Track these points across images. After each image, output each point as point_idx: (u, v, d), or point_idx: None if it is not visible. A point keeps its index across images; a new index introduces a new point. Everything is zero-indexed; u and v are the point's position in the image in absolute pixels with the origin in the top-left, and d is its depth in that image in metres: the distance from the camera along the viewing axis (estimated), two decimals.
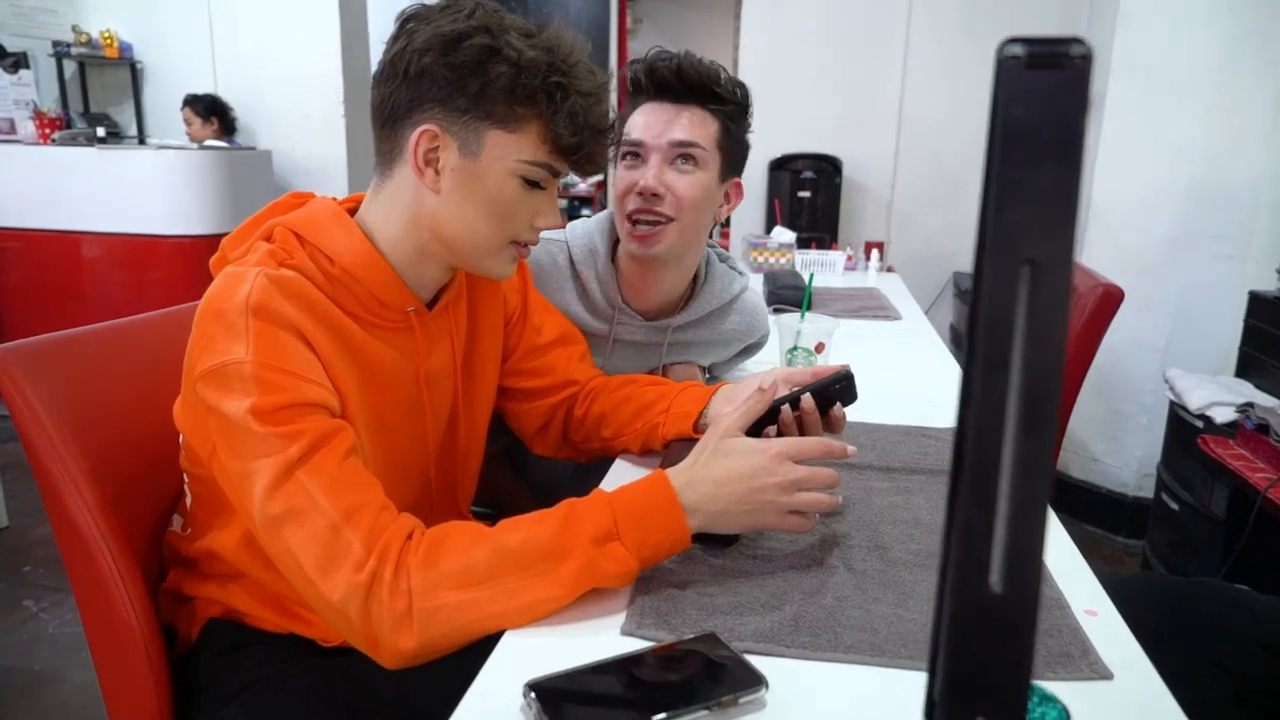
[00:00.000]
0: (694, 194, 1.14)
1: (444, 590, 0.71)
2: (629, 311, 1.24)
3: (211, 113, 4.09)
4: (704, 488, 0.78)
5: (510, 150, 0.83)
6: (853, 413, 0.98)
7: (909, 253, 3.59)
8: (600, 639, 0.70)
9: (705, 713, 0.60)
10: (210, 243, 0.92)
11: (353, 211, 0.91)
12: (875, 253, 2.91)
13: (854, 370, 0.97)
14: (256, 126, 4.31)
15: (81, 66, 4.58)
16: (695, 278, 1.28)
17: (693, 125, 1.13)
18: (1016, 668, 0.35)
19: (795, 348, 1.33)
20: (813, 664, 0.67)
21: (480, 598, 0.71)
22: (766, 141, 3.54)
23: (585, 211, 7.19)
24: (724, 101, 1.14)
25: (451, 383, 1.00)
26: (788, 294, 2.06)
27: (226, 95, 4.24)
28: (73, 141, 3.56)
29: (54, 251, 3.52)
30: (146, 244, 3.47)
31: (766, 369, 1.07)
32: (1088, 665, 0.66)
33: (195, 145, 3.86)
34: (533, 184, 0.86)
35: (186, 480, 0.93)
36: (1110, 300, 1.90)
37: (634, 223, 1.14)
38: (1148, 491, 2.60)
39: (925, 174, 3.56)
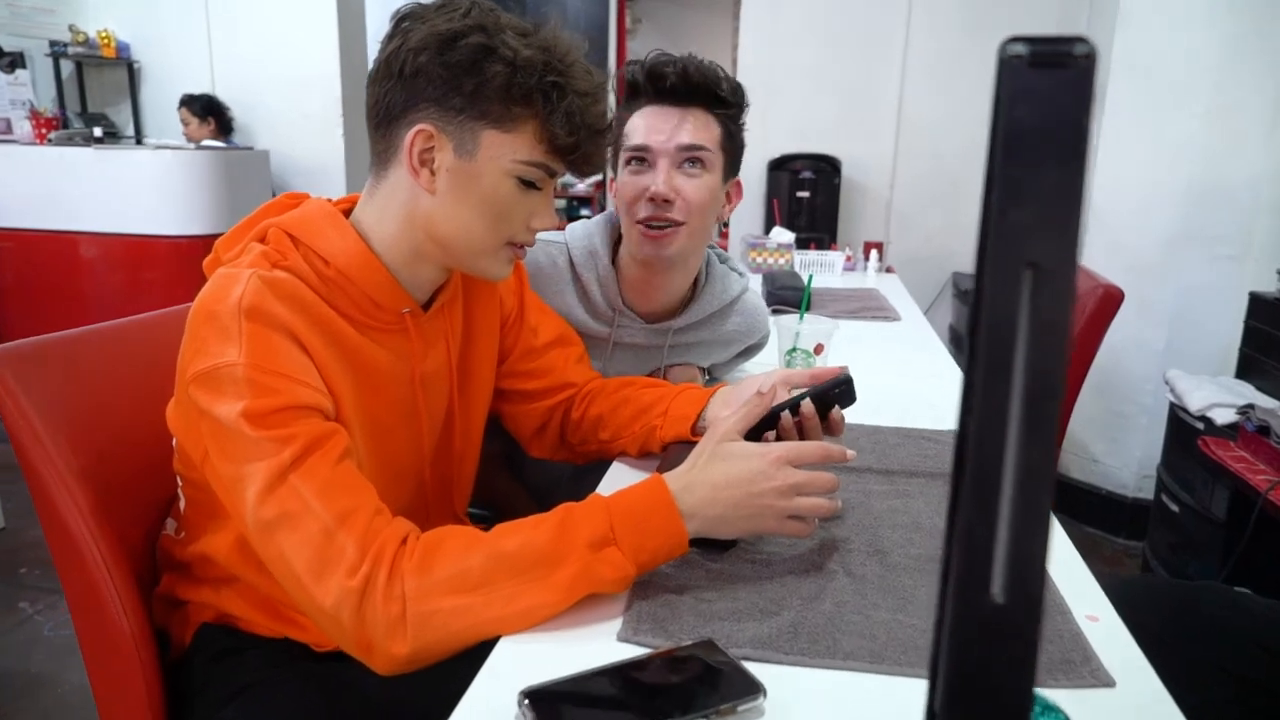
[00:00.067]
0: (703, 197, 1.13)
1: (438, 595, 0.70)
2: (630, 314, 1.24)
3: (208, 113, 4.08)
4: (702, 492, 0.77)
5: (506, 150, 0.83)
6: (851, 415, 0.97)
7: (908, 253, 3.58)
8: (596, 645, 0.69)
9: None
10: (207, 243, 0.91)
11: (348, 212, 0.90)
12: (874, 253, 2.91)
13: (853, 372, 0.96)
14: (254, 126, 4.30)
15: (78, 66, 4.58)
16: (696, 279, 1.27)
17: (698, 128, 1.12)
18: (1019, 680, 0.34)
19: (794, 349, 1.33)
20: (811, 671, 0.66)
21: (475, 603, 0.71)
22: (765, 141, 3.53)
23: (584, 212, 7.18)
24: (726, 104, 1.14)
25: (447, 385, 0.99)
26: (786, 294, 2.06)
27: (224, 95, 4.23)
28: (69, 141, 3.55)
29: (51, 252, 3.51)
30: (143, 244, 3.46)
31: (765, 370, 1.06)
32: (1089, 672, 0.65)
33: (192, 145, 3.85)
34: (529, 184, 0.85)
35: (180, 484, 0.93)
36: (1110, 301, 1.89)
37: (647, 226, 1.13)
38: (1147, 493, 2.59)
39: (924, 174, 3.56)
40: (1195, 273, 2.57)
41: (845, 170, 3.51)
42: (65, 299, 3.52)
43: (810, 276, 1.66)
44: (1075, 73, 0.31)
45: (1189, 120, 2.53)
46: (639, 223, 1.14)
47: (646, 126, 1.12)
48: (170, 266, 3.45)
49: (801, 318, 1.33)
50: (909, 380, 1.58)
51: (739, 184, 1.23)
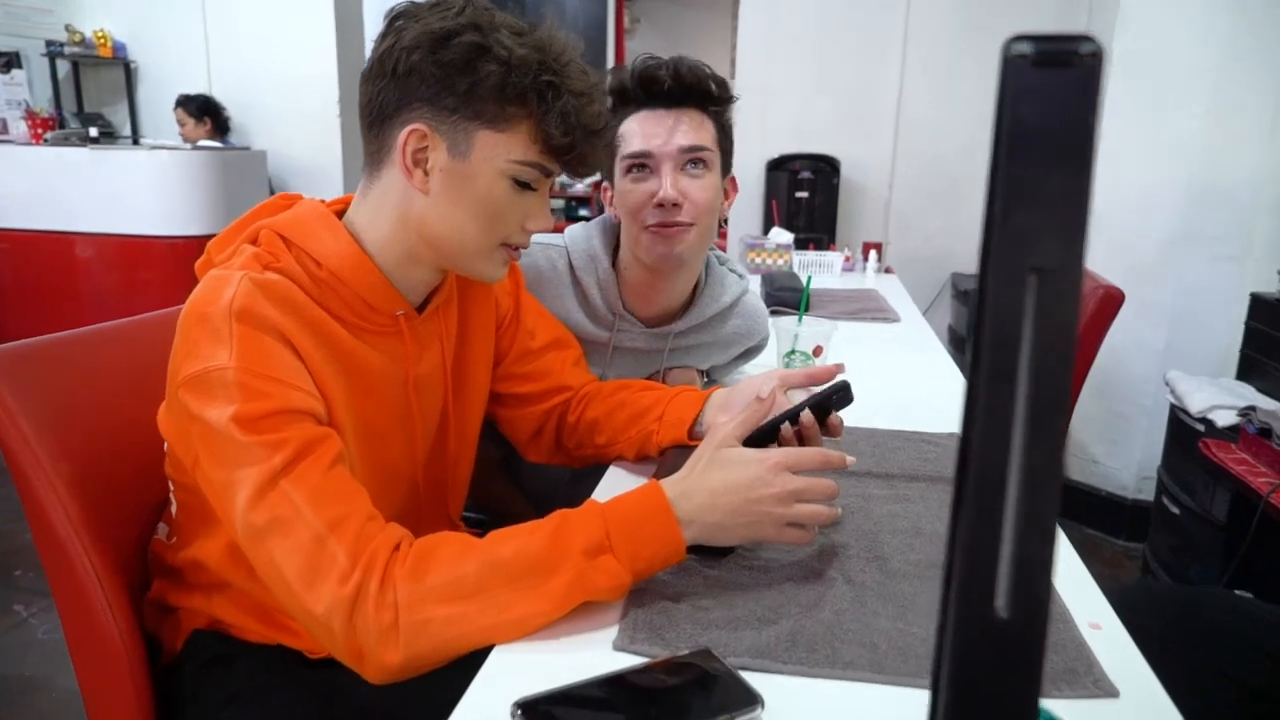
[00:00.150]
0: (709, 196, 1.13)
1: (431, 603, 0.69)
2: (630, 318, 1.23)
3: (204, 113, 4.07)
4: (699, 498, 0.76)
5: (500, 150, 0.82)
6: (850, 418, 0.96)
7: (907, 253, 3.57)
8: (592, 654, 0.68)
9: None
10: (204, 243, 0.90)
11: (341, 214, 0.89)
12: (873, 254, 2.90)
13: (852, 373, 0.95)
14: (251, 126, 4.29)
15: (75, 66, 4.57)
16: (696, 282, 1.26)
17: (695, 128, 1.11)
18: (1024, 695, 0.33)
19: (793, 351, 1.32)
20: (810, 681, 0.65)
21: (468, 611, 0.69)
22: (764, 142, 3.52)
23: (583, 212, 7.17)
24: (718, 101, 1.13)
25: (441, 388, 0.98)
26: (785, 295, 2.05)
27: (221, 95, 4.22)
28: (65, 142, 3.54)
29: (47, 252, 3.50)
30: (140, 245, 3.45)
31: (763, 371, 1.05)
32: (1093, 682, 0.64)
33: (188, 146, 3.84)
34: (524, 185, 0.84)
35: (171, 488, 0.92)
36: (1111, 302, 1.89)
37: (659, 225, 1.12)
38: (1147, 494, 2.58)
39: (923, 174, 3.55)
40: (1195, 273, 2.57)
41: (844, 170, 3.50)
42: (61, 299, 3.51)
43: (809, 278, 1.65)
44: (1081, 72, 0.30)
45: (1189, 120, 2.52)
46: (647, 228, 1.13)
47: (643, 132, 1.11)
48: (167, 267, 3.44)
49: (800, 319, 1.32)
50: (908, 382, 1.57)
51: (734, 179, 1.22)
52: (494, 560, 0.71)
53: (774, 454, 0.78)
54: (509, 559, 0.72)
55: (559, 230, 1.23)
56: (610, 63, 6.48)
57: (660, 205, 1.10)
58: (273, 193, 3.80)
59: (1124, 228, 2.63)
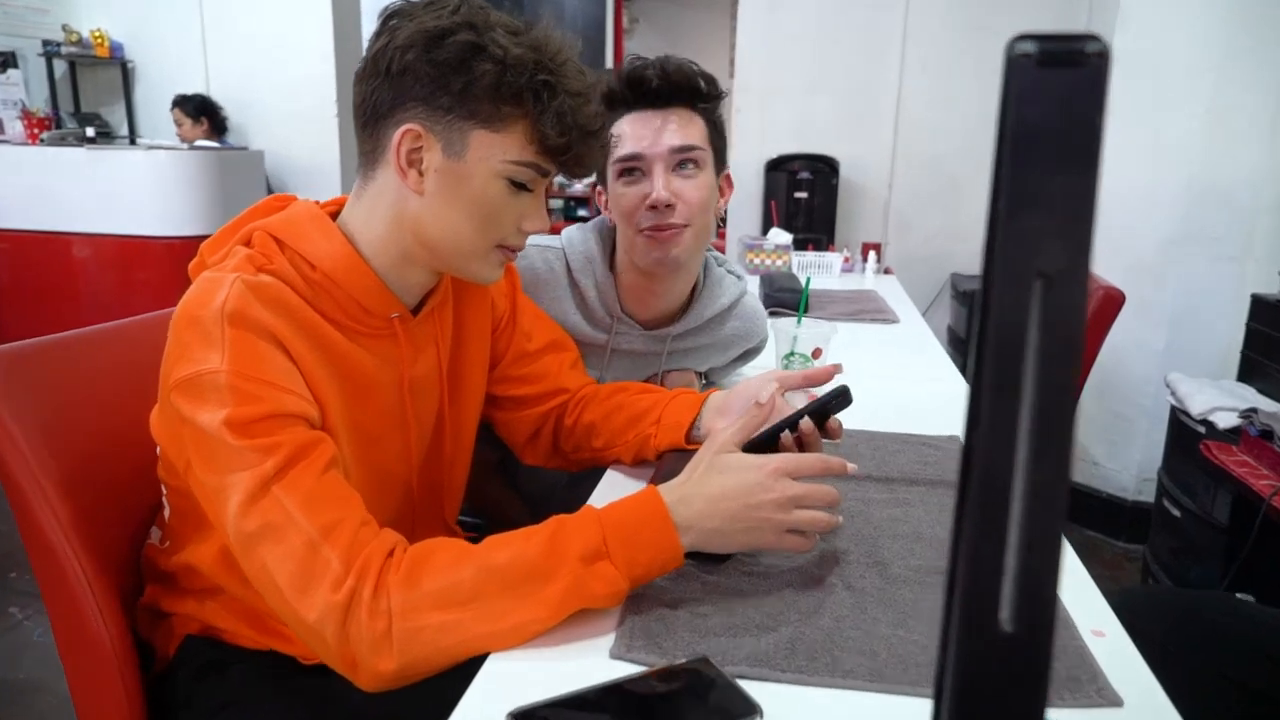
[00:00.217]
0: (703, 196, 1.12)
1: (425, 611, 0.68)
2: (628, 321, 1.22)
3: (201, 113, 4.06)
4: (698, 504, 0.75)
5: (496, 150, 0.81)
6: (850, 421, 0.95)
7: (906, 254, 3.56)
8: (588, 662, 0.67)
9: None
10: (201, 244, 0.91)
11: (335, 215, 0.88)
12: (873, 254, 2.89)
13: (851, 375, 0.94)
14: (249, 126, 4.28)
15: (72, 66, 4.56)
16: (694, 284, 1.25)
17: (685, 128, 1.10)
18: (1029, 711, 0.32)
19: (792, 353, 1.31)
20: (809, 689, 0.64)
21: (463, 619, 0.69)
22: (763, 142, 3.52)
23: (582, 212, 7.16)
24: (707, 98, 1.12)
25: (437, 391, 0.97)
26: (784, 297, 2.04)
27: (219, 95, 4.21)
28: (61, 142, 3.53)
29: (44, 252, 3.49)
30: (137, 245, 3.44)
31: (761, 373, 1.04)
32: (1096, 691, 0.63)
33: (186, 145, 3.83)
34: (519, 186, 0.83)
35: (165, 492, 0.91)
36: (1111, 303, 1.88)
37: (653, 229, 1.11)
38: (1148, 496, 2.57)
39: (923, 175, 3.54)
40: (1195, 274, 2.56)
41: (843, 171, 3.50)
42: (58, 300, 3.50)
43: (808, 279, 1.64)
44: (1087, 71, 0.29)
45: (1189, 120, 2.52)
46: (642, 231, 1.12)
47: (633, 134, 1.10)
48: (164, 267, 3.43)
49: (799, 321, 1.31)
50: (908, 384, 1.56)
51: (729, 176, 1.21)
52: (489, 567, 0.70)
53: (773, 459, 0.77)
54: (505, 565, 0.71)
55: (555, 231, 1.22)
56: (609, 63, 6.48)
57: (653, 207, 1.09)
58: (271, 193, 3.79)
59: (1124, 228, 2.62)
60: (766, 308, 1.94)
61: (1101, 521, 2.77)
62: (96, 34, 4.35)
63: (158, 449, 0.88)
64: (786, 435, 0.88)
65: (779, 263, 2.64)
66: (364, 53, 0.83)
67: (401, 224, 0.84)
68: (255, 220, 0.86)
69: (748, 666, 0.65)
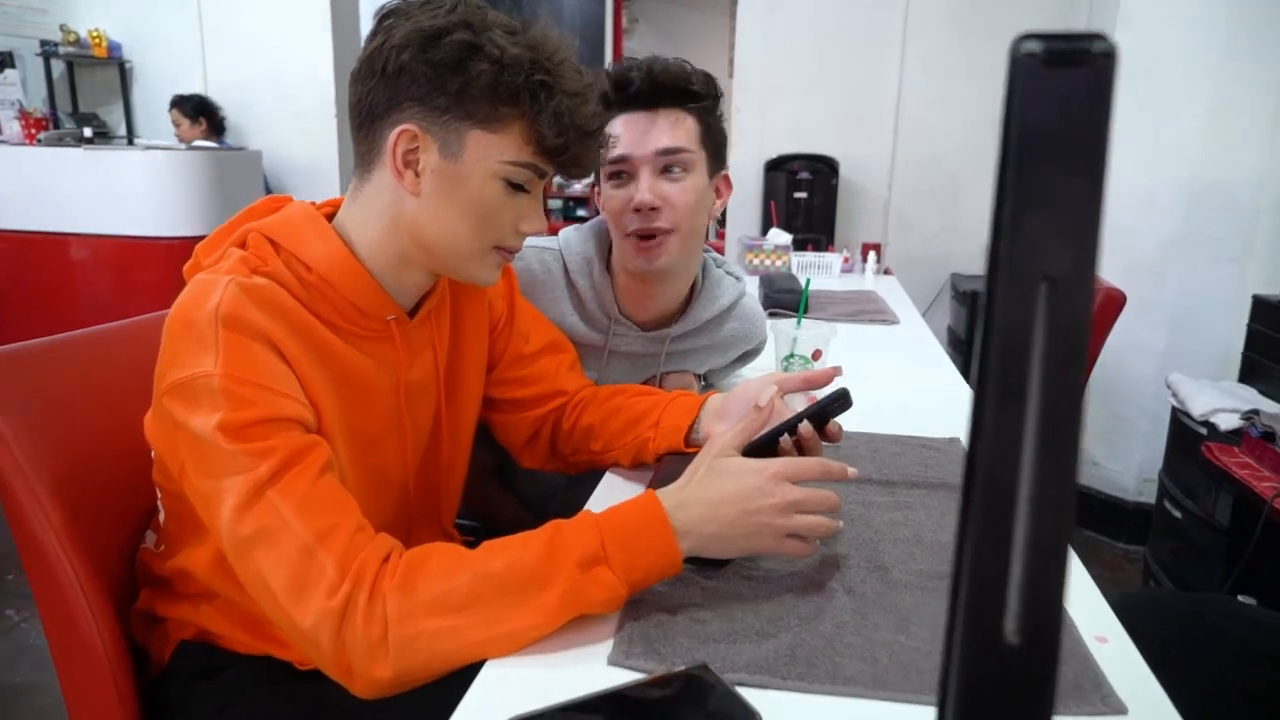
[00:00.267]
0: (689, 200, 1.10)
1: (421, 617, 0.68)
2: (626, 322, 1.21)
3: (199, 113, 4.05)
4: (697, 509, 0.74)
5: (493, 151, 0.80)
6: (850, 423, 0.94)
7: (906, 254, 3.56)
8: (586, 669, 0.67)
9: None
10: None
11: (331, 216, 0.87)
12: (872, 255, 2.88)
13: (851, 377, 0.93)
14: (247, 126, 4.27)
15: (70, 66, 4.55)
16: (693, 285, 1.24)
17: (673, 129, 1.09)
18: None
19: (791, 355, 1.30)
20: (810, 696, 0.63)
21: (459, 625, 0.68)
22: (762, 142, 3.51)
23: (581, 212, 7.15)
24: (698, 97, 1.10)
25: (434, 394, 0.96)
26: (784, 298, 2.03)
27: (217, 95, 4.19)
28: (59, 142, 3.52)
29: (41, 253, 3.47)
30: (135, 246, 3.43)
31: (761, 375, 1.03)
32: (1100, 699, 0.62)
33: (184, 146, 3.82)
34: (516, 186, 0.83)
35: (159, 496, 0.90)
36: (1112, 304, 1.87)
37: (638, 238, 1.10)
38: (1148, 497, 2.57)
39: (922, 175, 3.54)
40: (1196, 275, 2.55)
41: (843, 171, 3.49)
42: (56, 300, 3.49)
43: (808, 281, 1.64)
44: (1093, 71, 0.28)
45: (1189, 120, 2.51)
46: (628, 235, 1.11)
47: (621, 136, 1.08)
48: (162, 268, 3.42)
49: (799, 322, 1.31)
50: (908, 385, 1.55)
51: (727, 177, 1.19)
52: (486, 572, 0.70)
53: (773, 463, 0.76)
54: (501, 571, 0.70)
55: (554, 232, 1.22)
56: (609, 64, 6.47)
57: (638, 210, 1.08)
58: (269, 193, 3.78)
59: (1124, 229, 2.62)
60: (766, 309, 1.93)
61: (1102, 523, 2.77)
62: (94, 34, 4.34)
63: (152, 453, 0.87)
64: (786, 439, 0.87)
65: (778, 263, 2.63)
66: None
67: (398, 225, 0.83)
68: (250, 222, 0.85)
69: (747, 673, 0.65)
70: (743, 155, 3.50)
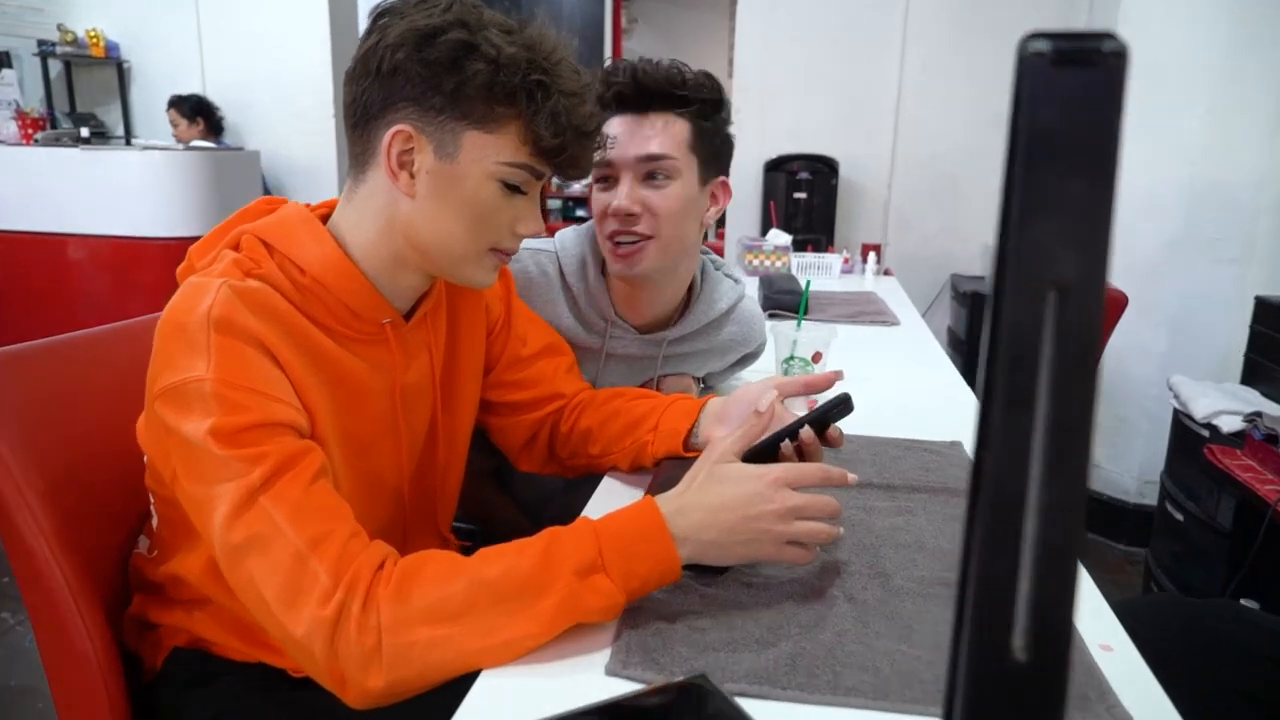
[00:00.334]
0: (670, 207, 1.07)
1: (415, 626, 0.67)
2: (622, 325, 1.19)
3: (197, 113, 4.04)
4: (696, 515, 0.73)
5: (489, 152, 0.79)
6: (850, 426, 0.93)
7: (906, 255, 3.55)
8: (583, 678, 0.65)
9: None
10: None
11: (326, 218, 0.86)
12: (872, 255, 2.87)
13: (851, 379, 0.92)
14: (245, 126, 4.26)
15: (67, 66, 4.53)
16: (691, 287, 1.23)
17: (659, 135, 1.06)
18: None
19: (791, 357, 1.29)
20: (810, 708, 0.62)
21: (454, 634, 0.67)
22: (762, 142, 3.50)
23: (580, 212, 7.13)
24: (687, 102, 1.07)
25: (430, 397, 0.95)
26: (784, 299, 2.02)
27: (215, 95, 4.18)
28: (56, 142, 3.51)
29: (38, 254, 3.46)
30: (133, 246, 3.42)
31: (760, 378, 1.02)
32: (1106, 709, 0.61)
33: (181, 146, 3.81)
34: (513, 188, 0.82)
35: (152, 500, 0.89)
36: (1113, 305, 1.87)
37: (615, 243, 1.09)
38: (1150, 498, 2.56)
39: (922, 175, 3.53)
40: (1197, 276, 2.54)
41: (842, 171, 3.48)
42: (53, 301, 3.48)
43: (808, 282, 1.63)
44: (1104, 71, 0.27)
45: (1190, 121, 2.50)
46: (608, 239, 1.09)
47: (614, 138, 1.07)
48: (159, 269, 3.40)
49: (799, 325, 1.30)
50: (909, 388, 1.54)
51: (725, 183, 1.16)
52: (481, 580, 0.69)
53: (773, 469, 0.75)
54: (497, 579, 0.69)
55: (552, 232, 1.21)
56: (608, 63, 6.45)
57: (615, 215, 1.07)
58: (268, 193, 3.77)
59: (1124, 230, 2.61)
60: (765, 310, 1.92)
61: (1103, 524, 2.76)
62: (92, 34, 4.32)
63: (145, 457, 0.86)
64: (786, 444, 0.86)
65: (778, 264, 2.62)
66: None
67: (393, 227, 0.82)
68: (244, 223, 0.84)
69: (747, 684, 0.64)
70: (742, 155, 3.47)
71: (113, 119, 4.59)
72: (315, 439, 0.77)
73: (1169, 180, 2.54)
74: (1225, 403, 1.95)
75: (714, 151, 1.11)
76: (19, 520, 0.84)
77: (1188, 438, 2.07)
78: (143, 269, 3.43)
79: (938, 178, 3.50)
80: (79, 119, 4.20)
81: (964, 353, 3.25)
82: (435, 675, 0.67)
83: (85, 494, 0.91)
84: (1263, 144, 2.44)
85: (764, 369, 1.41)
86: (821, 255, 2.84)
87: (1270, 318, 2.07)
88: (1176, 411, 2.16)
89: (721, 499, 0.73)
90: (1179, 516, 2.07)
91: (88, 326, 1.02)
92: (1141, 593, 2.30)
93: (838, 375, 0.96)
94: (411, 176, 0.80)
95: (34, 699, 1.89)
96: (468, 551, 0.73)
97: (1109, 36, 0.29)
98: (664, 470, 0.98)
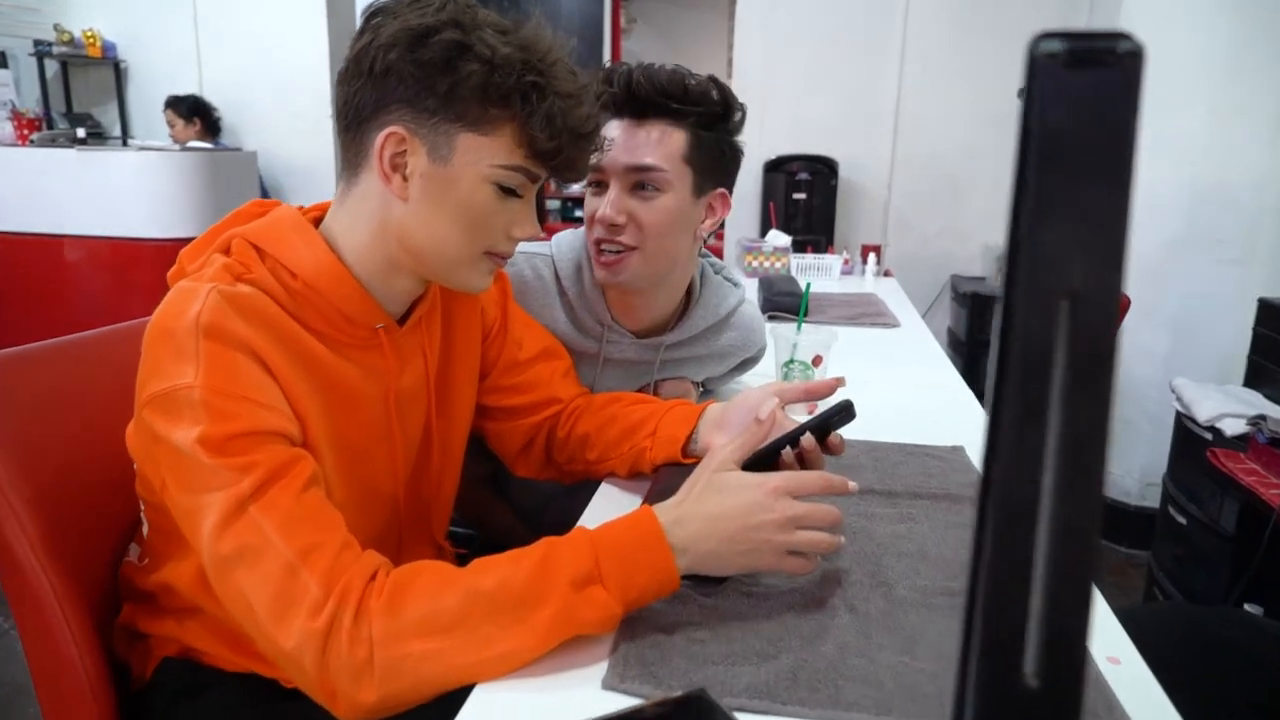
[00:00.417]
0: (656, 219, 1.05)
1: (408, 639, 0.65)
2: (619, 329, 1.18)
3: (194, 114, 4.03)
4: (695, 525, 0.71)
5: (483, 154, 0.77)
6: (850, 430, 0.91)
7: (906, 256, 3.54)
8: (579, 693, 0.64)
9: None
10: None
11: (318, 221, 0.85)
12: (872, 256, 2.85)
13: (851, 382, 0.91)
14: (243, 127, 4.25)
15: (64, 66, 4.51)
16: (689, 292, 1.21)
17: (653, 144, 1.03)
18: None
19: (791, 360, 1.28)
20: None
21: (447, 647, 0.65)
22: (761, 143, 3.49)
23: (579, 213, 7.12)
24: (682, 113, 1.04)
25: (425, 403, 0.94)
26: (784, 301, 2.01)
27: (212, 95, 4.17)
28: (52, 143, 3.50)
29: (35, 255, 3.45)
30: (129, 247, 3.41)
31: (760, 381, 1.01)
32: None
33: (178, 146, 3.79)
34: (508, 191, 0.80)
35: (142, 508, 0.87)
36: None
37: (599, 250, 1.08)
38: (1151, 501, 2.55)
39: (922, 175, 3.52)
40: (1199, 277, 2.53)
41: (842, 172, 3.47)
42: (50, 303, 3.46)
43: (808, 285, 1.61)
44: (1119, 72, 0.26)
45: (1192, 121, 2.49)
46: (594, 244, 1.08)
47: (605, 141, 1.04)
48: (156, 269, 3.36)
49: (799, 327, 1.28)
50: (909, 391, 1.52)
51: (724, 195, 1.13)
52: (476, 592, 0.67)
53: (773, 478, 0.74)
54: (492, 590, 0.67)
55: (545, 238, 1.19)
56: (607, 64, 6.44)
57: (600, 223, 1.05)
58: (265, 194, 3.75)
59: None
60: (765, 312, 1.91)
61: (1104, 527, 2.75)
62: (89, 34, 4.31)
63: (135, 464, 0.85)
64: (787, 452, 0.85)
65: (778, 265, 2.61)
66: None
67: (386, 231, 0.81)
68: (235, 226, 0.83)
69: (747, 698, 0.62)
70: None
71: (109, 119, 4.57)
72: (307, 446, 0.76)
73: (1170, 181, 2.52)
74: (1228, 405, 1.94)
75: (713, 163, 1.08)
76: (4, 526, 0.83)
77: (1190, 440, 2.06)
78: (139, 270, 3.41)
79: (938, 178, 3.49)
80: (75, 119, 4.18)
81: (964, 353, 3.24)
82: (428, 689, 0.66)
83: (74, 501, 0.90)
84: (1264, 144, 2.43)
85: (764, 372, 1.39)
86: (821, 256, 2.83)
87: (1274, 319, 2.06)
88: (1179, 414, 2.15)
89: (721, 508, 0.72)
90: (1181, 520, 2.05)
91: (84, 328, 1.01)
92: (1144, 597, 2.29)
93: (839, 382, 0.94)
94: (405, 179, 0.78)
95: (32, 702, 1.88)
96: (464, 558, 0.72)
97: (1124, 36, 0.27)
98: (662, 477, 0.97)
